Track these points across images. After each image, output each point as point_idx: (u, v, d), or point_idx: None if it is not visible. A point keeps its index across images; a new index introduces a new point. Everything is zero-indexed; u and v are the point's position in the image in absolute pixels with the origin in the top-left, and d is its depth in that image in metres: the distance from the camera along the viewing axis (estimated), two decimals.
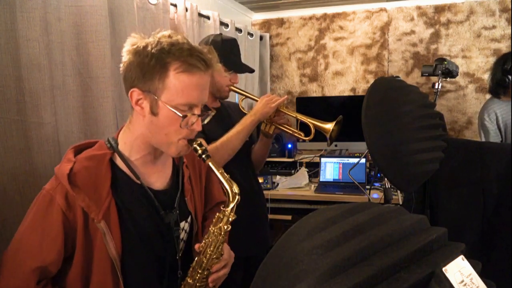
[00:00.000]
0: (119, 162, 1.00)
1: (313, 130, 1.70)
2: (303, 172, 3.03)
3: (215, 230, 1.01)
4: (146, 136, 0.99)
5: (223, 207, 1.02)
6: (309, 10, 3.52)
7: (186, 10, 2.19)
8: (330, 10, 3.47)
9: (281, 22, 3.61)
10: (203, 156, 0.98)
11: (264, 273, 0.44)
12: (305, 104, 3.37)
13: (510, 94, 2.23)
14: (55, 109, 1.36)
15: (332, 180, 2.88)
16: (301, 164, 3.19)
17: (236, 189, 1.00)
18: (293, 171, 3.13)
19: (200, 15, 2.39)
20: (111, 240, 0.93)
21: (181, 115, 0.92)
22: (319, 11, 3.50)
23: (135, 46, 0.93)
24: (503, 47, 3.08)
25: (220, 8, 2.85)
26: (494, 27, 3.09)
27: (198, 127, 0.97)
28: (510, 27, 3.05)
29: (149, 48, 0.91)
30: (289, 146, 3.22)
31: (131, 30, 1.71)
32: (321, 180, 2.88)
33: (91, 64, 1.52)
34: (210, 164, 0.99)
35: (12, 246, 0.92)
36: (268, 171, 3.05)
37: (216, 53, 1.00)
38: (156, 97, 0.92)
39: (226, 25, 2.75)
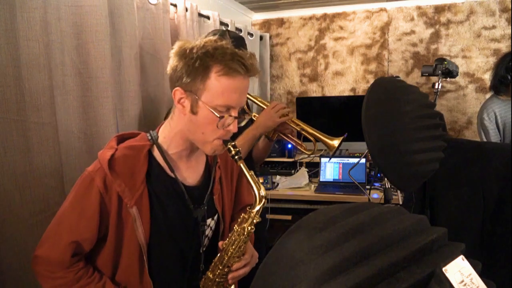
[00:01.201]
0: (156, 154, 1.06)
1: (315, 146, 1.69)
2: (303, 172, 3.03)
3: (239, 230, 1.05)
4: (185, 132, 1.05)
5: (249, 208, 1.05)
6: (309, 10, 3.52)
7: (186, 10, 2.19)
8: (330, 10, 3.47)
9: (281, 22, 3.61)
10: (236, 157, 1.03)
11: (264, 273, 0.44)
12: (305, 104, 3.38)
13: (510, 93, 2.23)
14: (55, 109, 1.36)
15: (332, 180, 2.88)
16: (301, 164, 3.19)
17: (263, 192, 1.04)
18: (293, 171, 3.13)
19: (200, 15, 2.39)
20: (141, 226, 1.01)
21: (218, 115, 0.97)
22: (319, 11, 3.50)
23: (182, 48, 0.98)
24: (503, 47, 3.08)
25: (220, 8, 2.85)
26: (494, 27, 3.09)
27: (234, 129, 1.02)
28: (510, 27, 3.05)
29: (194, 51, 0.96)
30: (289, 146, 3.22)
31: (131, 30, 1.71)
32: (321, 180, 2.88)
33: (91, 64, 1.52)
34: (242, 165, 1.03)
35: (55, 220, 1.01)
36: (268, 171, 3.05)
37: (256, 59, 1.03)
38: (196, 97, 0.98)
39: (226, 25, 2.75)
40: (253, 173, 1.04)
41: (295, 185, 2.87)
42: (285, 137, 1.72)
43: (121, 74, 1.69)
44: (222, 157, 1.19)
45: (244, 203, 1.31)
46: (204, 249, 1.15)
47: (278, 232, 2.90)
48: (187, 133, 1.04)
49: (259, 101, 1.78)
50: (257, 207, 1.03)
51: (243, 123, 1.08)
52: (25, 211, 1.26)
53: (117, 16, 1.65)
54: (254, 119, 1.67)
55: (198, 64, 0.95)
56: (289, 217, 2.75)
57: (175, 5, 2.14)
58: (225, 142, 1.03)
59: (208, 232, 1.16)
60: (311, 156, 1.74)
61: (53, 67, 1.36)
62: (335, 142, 1.67)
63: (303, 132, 1.69)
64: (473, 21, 3.13)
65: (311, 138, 1.69)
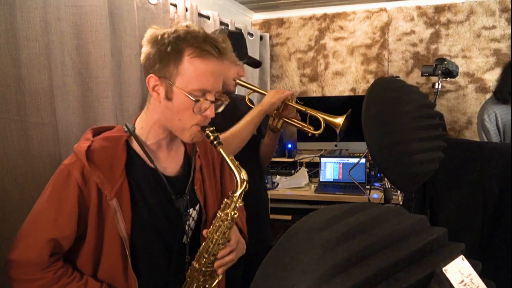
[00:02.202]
0: (135, 145, 1.04)
1: (323, 124, 1.67)
2: (303, 172, 3.03)
3: (222, 215, 1.04)
4: (162, 121, 1.03)
5: (231, 193, 1.04)
6: (309, 10, 3.52)
7: (186, 10, 2.19)
8: (330, 10, 3.47)
9: (281, 22, 3.61)
10: (215, 142, 1.01)
11: (264, 273, 0.44)
12: (305, 104, 3.37)
13: None
14: (55, 109, 1.36)
15: (332, 180, 2.88)
16: (301, 164, 3.19)
17: (244, 175, 1.02)
18: (293, 171, 3.13)
19: (200, 15, 2.39)
20: (122, 219, 0.97)
21: (194, 99, 0.96)
22: (319, 11, 3.50)
23: (154, 35, 0.97)
24: (503, 47, 3.08)
25: (220, 8, 2.85)
26: (494, 27, 3.09)
27: (211, 114, 1.00)
28: (510, 27, 3.05)
29: (166, 36, 0.95)
30: (289, 146, 3.22)
31: (131, 30, 1.71)
32: (321, 180, 2.88)
33: (91, 64, 1.52)
34: (221, 150, 1.02)
35: (30, 218, 0.96)
36: (268, 171, 3.05)
37: (230, 43, 1.02)
38: (171, 83, 0.96)
39: (226, 25, 2.75)
40: (233, 158, 1.02)
41: (295, 185, 2.87)
42: (290, 122, 1.70)
43: (121, 74, 1.69)
44: (201, 146, 1.17)
45: (228, 192, 1.29)
46: (188, 240, 1.12)
47: (278, 232, 2.91)
48: (164, 121, 1.02)
49: (259, 89, 1.78)
50: (239, 191, 1.02)
51: (220, 109, 1.06)
52: (25, 211, 1.25)
53: (117, 16, 1.65)
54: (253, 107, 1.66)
55: (170, 49, 0.94)
56: (289, 217, 2.75)
57: (175, 5, 2.14)
58: (203, 128, 1.01)
59: (191, 222, 1.14)
60: (311, 141, 1.71)
61: (53, 67, 1.36)
62: (339, 120, 1.65)
63: (308, 111, 1.68)
64: (473, 21, 3.13)
65: (318, 117, 1.67)
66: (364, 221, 0.44)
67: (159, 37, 0.96)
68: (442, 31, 3.21)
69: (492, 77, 3.04)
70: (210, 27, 2.47)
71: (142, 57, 1.00)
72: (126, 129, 1.04)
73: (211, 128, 1.02)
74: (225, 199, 1.05)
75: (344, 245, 0.40)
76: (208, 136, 1.01)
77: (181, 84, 0.96)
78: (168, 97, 0.97)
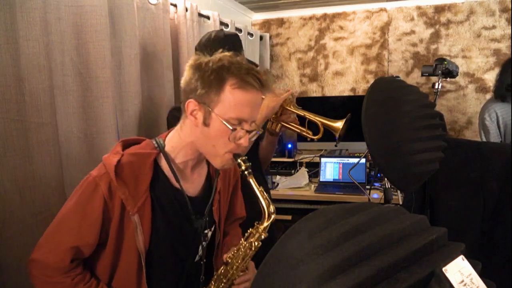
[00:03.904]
0: (163, 163, 1.05)
1: (321, 129, 1.66)
2: (303, 172, 3.03)
3: (246, 245, 1.06)
4: (195, 144, 1.04)
5: (257, 223, 1.05)
6: (309, 10, 3.52)
7: (186, 10, 2.19)
8: (330, 10, 3.47)
9: (281, 22, 3.61)
10: (246, 172, 1.02)
11: (264, 273, 0.44)
12: (305, 104, 3.37)
13: None
14: (55, 109, 1.36)
15: (332, 180, 2.88)
16: (301, 164, 3.19)
17: (272, 208, 1.03)
18: (293, 171, 3.12)
19: (200, 15, 2.39)
20: (141, 234, 1.00)
21: (231, 128, 0.97)
22: (319, 11, 3.50)
23: (198, 62, 0.99)
24: (503, 47, 3.08)
25: (220, 8, 2.85)
26: (494, 27, 3.09)
27: (245, 143, 1.01)
28: (510, 27, 3.05)
29: (210, 64, 0.97)
30: (289, 146, 3.22)
31: (131, 30, 1.71)
32: (321, 180, 2.88)
33: (91, 64, 1.52)
34: (251, 181, 1.02)
35: (55, 224, 1.00)
36: (268, 171, 3.05)
37: (272, 76, 1.03)
38: (210, 109, 0.97)
39: (226, 25, 2.75)
40: (262, 189, 1.02)
41: (295, 185, 2.87)
42: (288, 126, 1.70)
43: (121, 74, 1.69)
44: (223, 170, 1.18)
45: (236, 216, 1.31)
46: (204, 259, 1.16)
47: (278, 232, 2.90)
48: (198, 145, 1.04)
49: None
50: (265, 224, 1.03)
51: (253, 138, 1.06)
52: (25, 211, 1.26)
53: (117, 16, 1.65)
54: None
55: (213, 76, 0.96)
56: (289, 217, 2.75)
57: (175, 5, 2.14)
58: (236, 156, 1.02)
59: (205, 242, 1.17)
60: (311, 140, 1.71)
61: (53, 67, 1.36)
62: (338, 124, 1.65)
63: (307, 116, 1.68)
64: (473, 21, 3.13)
65: (316, 122, 1.67)
66: (364, 221, 0.43)
67: (203, 64, 0.98)
68: (442, 31, 3.21)
69: (492, 77, 3.04)
70: (210, 27, 2.47)
71: (183, 81, 1.02)
72: (156, 145, 1.05)
73: (244, 157, 1.02)
74: (250, 229, 1.07)
75: (344, 245, 0.40)
76: (239, 165, 1.02)
77: (220, 112, 0.97)
78: (206, 123, 0.99)
